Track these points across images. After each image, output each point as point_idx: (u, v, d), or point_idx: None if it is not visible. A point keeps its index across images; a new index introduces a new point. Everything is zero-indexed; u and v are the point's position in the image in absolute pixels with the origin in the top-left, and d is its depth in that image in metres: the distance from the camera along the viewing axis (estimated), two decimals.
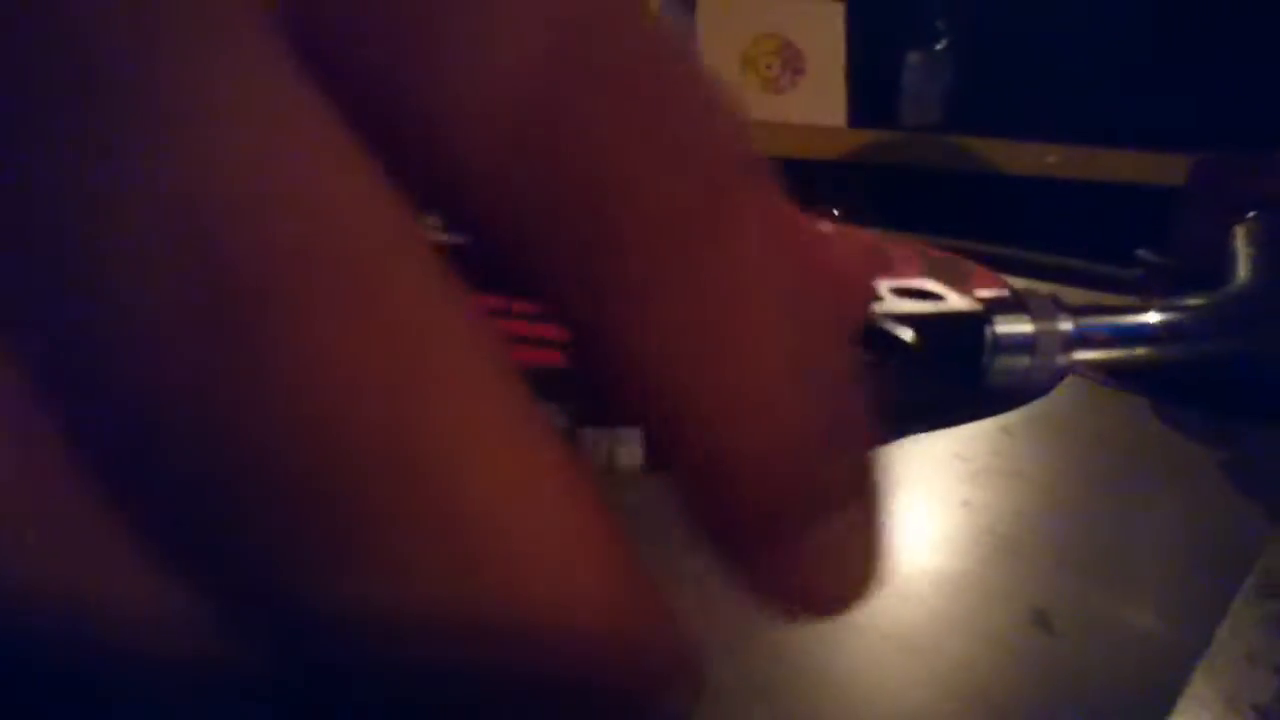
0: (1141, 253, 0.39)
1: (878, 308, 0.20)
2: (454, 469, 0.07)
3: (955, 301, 0.21)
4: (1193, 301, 0.23)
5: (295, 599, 0.07)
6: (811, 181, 0.88)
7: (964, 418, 0.30)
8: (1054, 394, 0.37)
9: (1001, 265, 0.29)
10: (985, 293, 0.22)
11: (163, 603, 0.08)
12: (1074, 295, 0.28)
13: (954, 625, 0.19)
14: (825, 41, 1.04)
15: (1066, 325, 0.22)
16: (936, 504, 0.25)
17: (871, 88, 1.05)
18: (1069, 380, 0.37)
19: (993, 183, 0.97)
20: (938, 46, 1.03)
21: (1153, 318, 0.23)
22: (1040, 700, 0.16)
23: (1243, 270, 0.25)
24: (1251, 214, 0.30)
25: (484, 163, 0.08)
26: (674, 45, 0.09)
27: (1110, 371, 0.31)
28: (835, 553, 0.10)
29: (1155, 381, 0.31)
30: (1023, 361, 0.22)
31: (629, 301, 0.08)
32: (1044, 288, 0.25)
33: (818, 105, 1.05)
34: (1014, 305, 0.22)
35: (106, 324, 0.07)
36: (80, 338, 0.07)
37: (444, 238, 0.09)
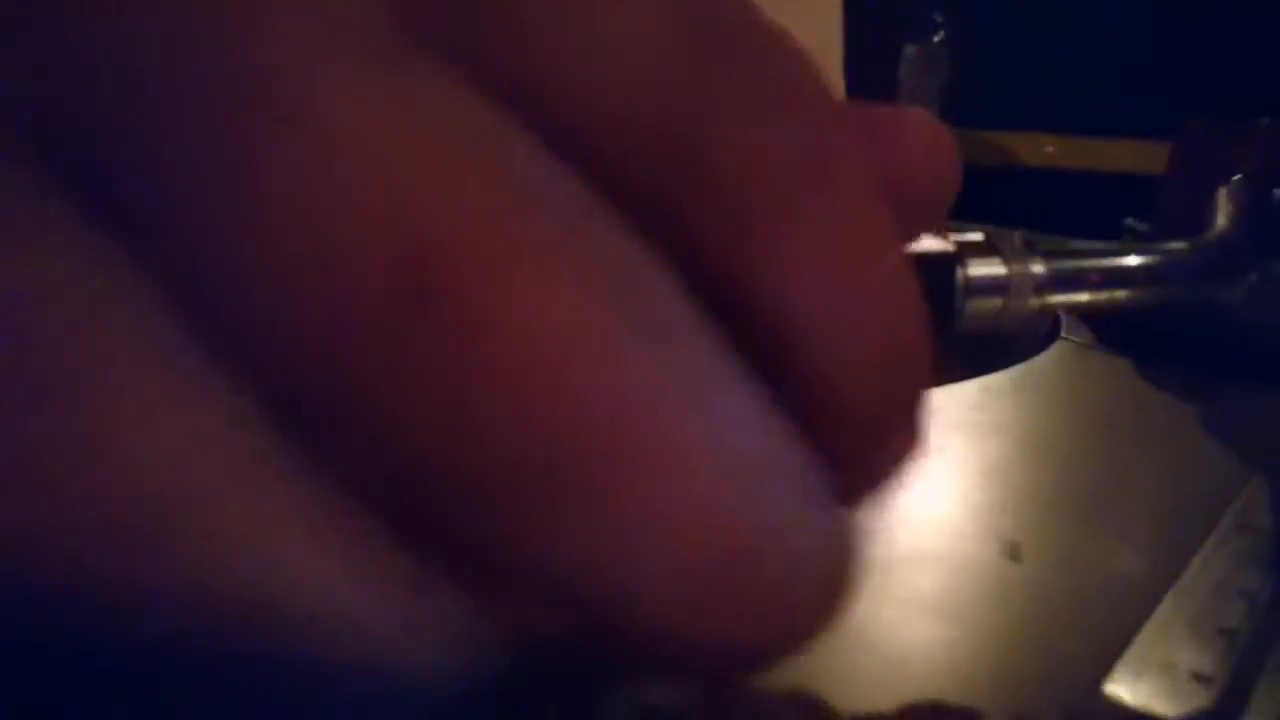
0: (1129, 221, 0.39)
1: None
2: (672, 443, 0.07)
3: (926, 243, 0.21)
4: (1170, 246, 0.23)
5: (529, 569, 0.07)
6: None
7: (949, 378, 0.30)
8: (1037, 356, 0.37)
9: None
10: (958, 235, 0.21)
11: (406, 601, 0.08)
12: None
13: (921, 555, 0.19)
14: (822, 35, 1.04)
15: (1039, 267, 0.22)
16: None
17: (868, 81, 1.05)
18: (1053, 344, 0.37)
19: (990, 174, 0.97)
20: (935, 40, 1.03)
21: (1129, 261, 0.22)
22: (1004, 623, 0.16)
23: (1222, 219, 0.25)
24: (1236, 177, 0.30)
25: (626, 137, 0.09)
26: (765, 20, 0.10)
27: (1086, 317, 0.30)
28: (890, 466, 0.11)
29: (1138, 340, 0.30)
30: (995, 304, 0.21)
31: (770, 258, 0.09)
32: None
33: None
34: (986, 247, 0.21)
35: (296, 322, 0.07)
36: (279, 340, 0.07)
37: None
